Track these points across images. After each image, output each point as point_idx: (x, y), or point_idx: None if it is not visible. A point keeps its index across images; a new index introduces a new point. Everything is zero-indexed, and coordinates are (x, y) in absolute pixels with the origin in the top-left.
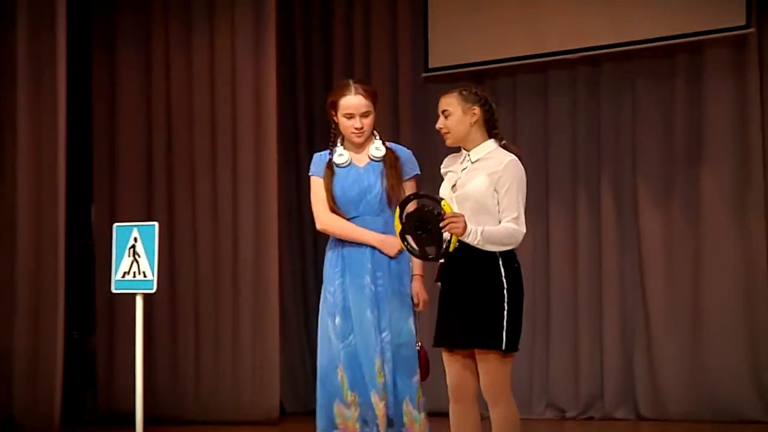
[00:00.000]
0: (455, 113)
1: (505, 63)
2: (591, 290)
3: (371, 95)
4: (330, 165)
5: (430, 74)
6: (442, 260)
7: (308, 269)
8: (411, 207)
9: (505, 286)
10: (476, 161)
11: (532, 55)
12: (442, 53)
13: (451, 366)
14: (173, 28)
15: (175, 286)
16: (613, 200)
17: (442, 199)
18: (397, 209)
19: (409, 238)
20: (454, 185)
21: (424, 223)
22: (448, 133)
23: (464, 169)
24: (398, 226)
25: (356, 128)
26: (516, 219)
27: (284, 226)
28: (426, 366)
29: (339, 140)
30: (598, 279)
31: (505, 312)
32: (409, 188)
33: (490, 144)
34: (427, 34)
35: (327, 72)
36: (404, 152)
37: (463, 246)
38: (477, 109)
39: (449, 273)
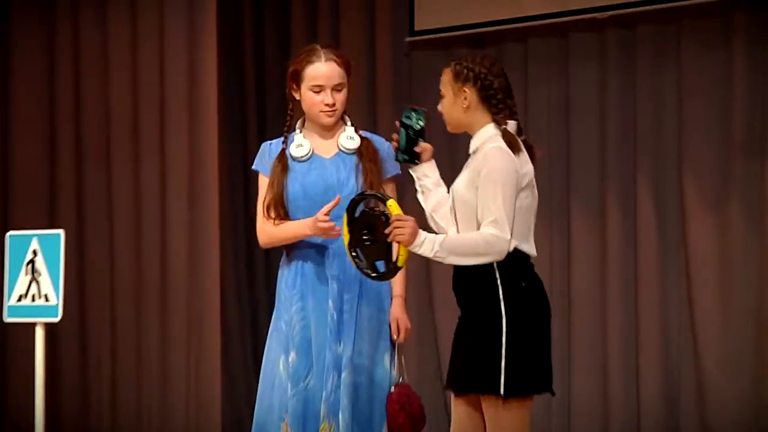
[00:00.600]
0: (447, 95)
1: (515, 24)
2: (625, 314)
3: (345, 64)
4: (282, 157)
5: (416, 39)
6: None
7: (257, 282)
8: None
9: (504, 312)
10: (473, 153)
11: (548, 14)
12: (432, 11)
13: (454, 414)
14: (83, 3)
15: (87, 309)
16: (652, 202)
17: (389, 198)
18: (345, 216)
19: (359, 251)
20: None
21: (371, 229)
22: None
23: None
24: (346, 237)
25: (327, 104)
26: (494, 222)
27: (229, 232)
28: (417, 415)
29: (299, 125)
30: (634, 300)
31: (503, 346)
32: (388, 192)
33: (489, 129)
34: None
35: (283, 40)
36: (383, 145)
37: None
38: (468, 91)
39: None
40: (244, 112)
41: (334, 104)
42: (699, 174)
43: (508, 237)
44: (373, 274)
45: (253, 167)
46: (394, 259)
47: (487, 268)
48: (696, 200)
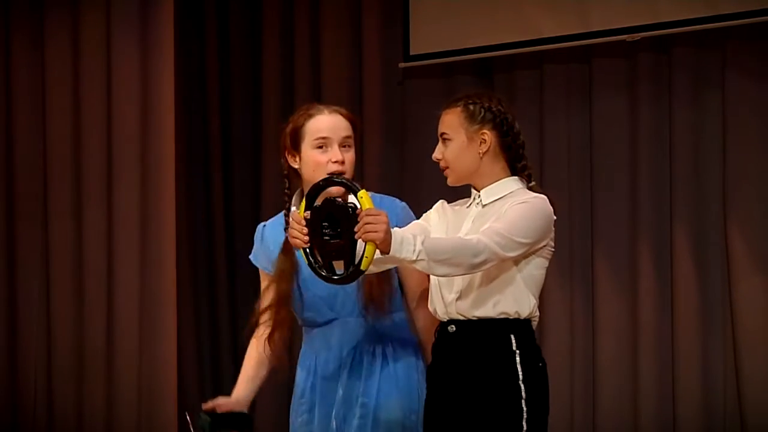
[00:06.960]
0: (456, 139)
1: (528, 48)
2: (660, 390)
3: (352, 119)
4: (288, 247)
5: (411, 65)
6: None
7: (223, 360)
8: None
9: (524, 395)
10: (488, 204)
11: (568, 36)
12: (431, 33)
13: None
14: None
15: (18, 396)
16: (692, 258)
17: (359, 188)
18: (303, 202)
19: (313, 246)
20: None
21: (335, 222)
22: (447, 168)
23: (472, 218)
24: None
25: (336, 162)
26: (496, 233)
27: (188, 298)
28: None
29: (294, 200)
30: (670, 374)
31: None
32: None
33: (512, 183)
34: (407, 5)
35: (254, 65)
36: (394, 206)
37: (464, 327)
38: (488, 133)
39: (439, 374)
40: (208, 154)
41: (342, 161)
42: (747, 224)
43: (500, 253)
44: (328, 275)
45: (251, 258)
46: (357, 261)
47: (505, 342)
48: (744, 255)
